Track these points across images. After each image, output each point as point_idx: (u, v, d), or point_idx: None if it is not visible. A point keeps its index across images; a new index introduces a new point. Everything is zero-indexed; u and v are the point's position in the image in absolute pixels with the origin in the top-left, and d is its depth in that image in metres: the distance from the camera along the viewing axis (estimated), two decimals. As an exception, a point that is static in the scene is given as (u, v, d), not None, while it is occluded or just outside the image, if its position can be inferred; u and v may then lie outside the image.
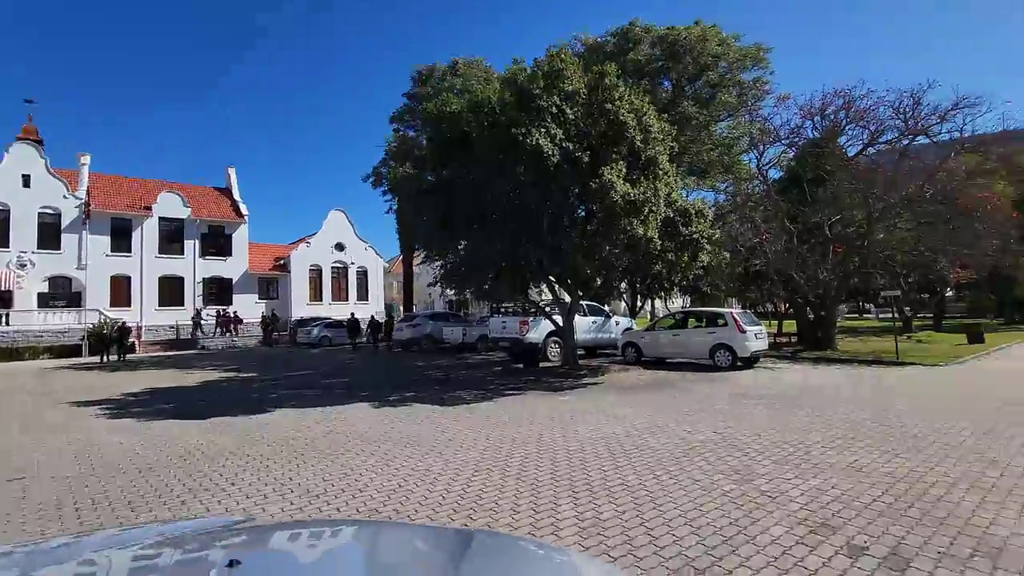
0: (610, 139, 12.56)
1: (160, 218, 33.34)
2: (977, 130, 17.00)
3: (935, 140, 17.86)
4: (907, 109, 17.51)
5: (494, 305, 18.20)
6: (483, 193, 12.24)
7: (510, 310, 17.57)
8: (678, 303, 40.98)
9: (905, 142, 18.39)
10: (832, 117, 19.36)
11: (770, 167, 23.72)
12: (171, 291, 33.47)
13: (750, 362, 14.56)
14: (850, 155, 20.82)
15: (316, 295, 39.12)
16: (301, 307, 37.08)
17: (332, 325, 29.59)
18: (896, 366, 14.13)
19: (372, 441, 6.81)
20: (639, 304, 34.57)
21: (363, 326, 26.99)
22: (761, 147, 22.27)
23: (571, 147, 11.97)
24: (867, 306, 55.30)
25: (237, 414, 8.96)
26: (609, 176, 11.23)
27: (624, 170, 12.11)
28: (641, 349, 15.58)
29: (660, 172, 12.99)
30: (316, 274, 39.40)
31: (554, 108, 11.79)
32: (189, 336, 31.04)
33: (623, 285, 33.68)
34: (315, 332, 29.60)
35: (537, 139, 11.24)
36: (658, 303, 36.92)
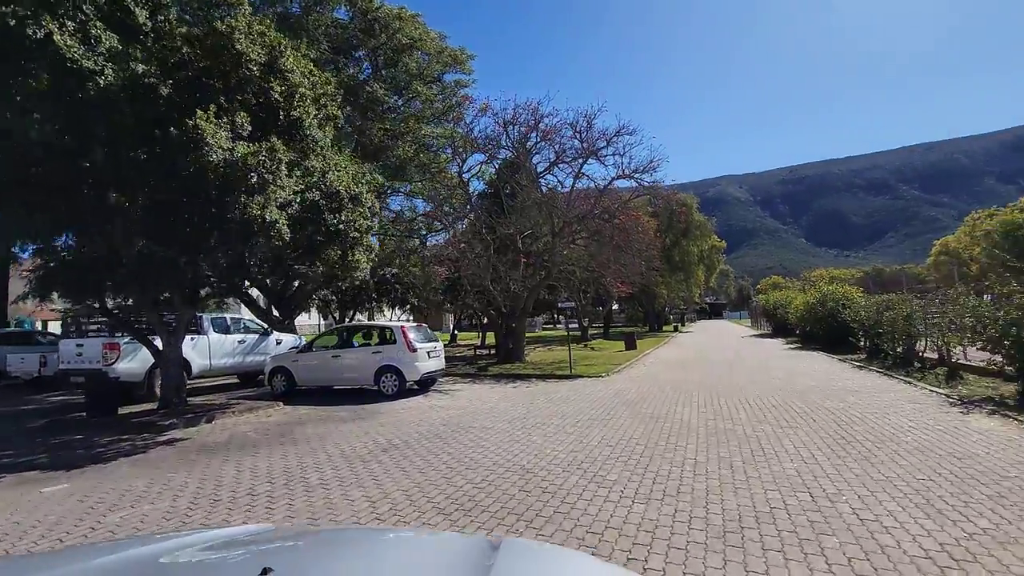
0: (227, 78, 8.63)
1: None
2: (634, 159, 18.92)
3: (603, 162, 19.27)
4: (583, 129, 18.41)
5: (69, 319, 11.93)
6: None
7: (95, 327, 11.64)
8: (391, 317, 38.47)
9: (581, 161, 19.41)
10: (523, 131, 19.32)
11: (472, 177, 23.06)
12: None
13: (426, 385, 12.32)
14: (539, 172, 21.40)
15: None
16: None
17: None
18: (567, 379, 13.79)
19: None
20: (348, 318, 30.83)
21: None
22: (463, 154, 21.30)
23: (142, 69, 7.62)
24: (559, 317, 63.33)
25: None
26: (202, 122, 7.28)
27: (249, 127, 8.34)
28: (293, 375, 11.83)
29: (309, 141, 9.65)
30: None
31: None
32: None
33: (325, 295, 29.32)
34: None
35: (53, 32, 6.55)
36: (371, 318, 33.65)
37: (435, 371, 11.97)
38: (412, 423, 8.39)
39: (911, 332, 12.63)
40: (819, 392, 9.80)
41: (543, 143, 19.88)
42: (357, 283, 12.63)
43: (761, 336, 33.18)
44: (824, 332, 20.09)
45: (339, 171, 10.18)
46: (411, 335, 11.30)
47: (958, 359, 10.80)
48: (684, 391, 10.74)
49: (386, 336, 11.49)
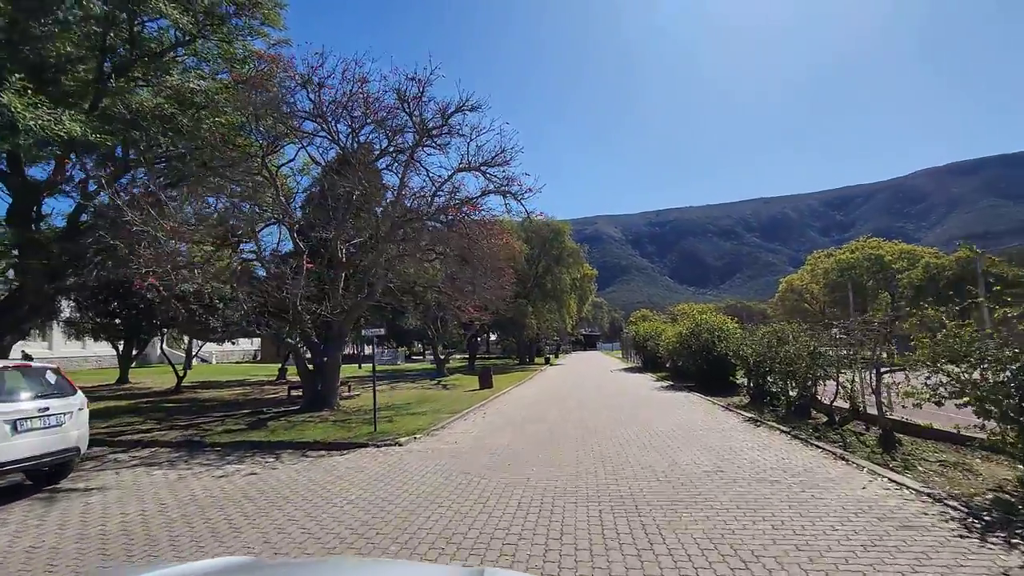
0: None
1: None
2: (482, 148, 14.68)
3: (443, 149, 14.81)
4: (412, 99, 13.83)
5: None
6: None
7: None
8: (204, 348, 30.08)
9: (413, 146, 14.79)
10: (339, 100, 14.23)
11: (283, 166, 17.31)
12: None
13: (55, 477, 6.53)
14: (371, 160, 16.36)
15: None
16: None
17: None
18: (352, 449, 8.74)
19: None
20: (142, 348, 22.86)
21: None
22: (268, 133, 15.47)
23: None
24: (425, 349, 57.24)
25: None
26: None
27: None
28: None
29: None
30: None
31: None
32: None
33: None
34: None
35: None
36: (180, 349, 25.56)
37: (44, 456, 6.10)
38: None
39: (816, 374, 9.45)
40: (723, 491, 5.67)
41: (371, 124, 14.95)
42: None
43: (631, 370, 30.68)
44: (698, 368, 17.17)
45: None
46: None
47: (890, 413, 7.52)
48: (507, 486, 6.16)
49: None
